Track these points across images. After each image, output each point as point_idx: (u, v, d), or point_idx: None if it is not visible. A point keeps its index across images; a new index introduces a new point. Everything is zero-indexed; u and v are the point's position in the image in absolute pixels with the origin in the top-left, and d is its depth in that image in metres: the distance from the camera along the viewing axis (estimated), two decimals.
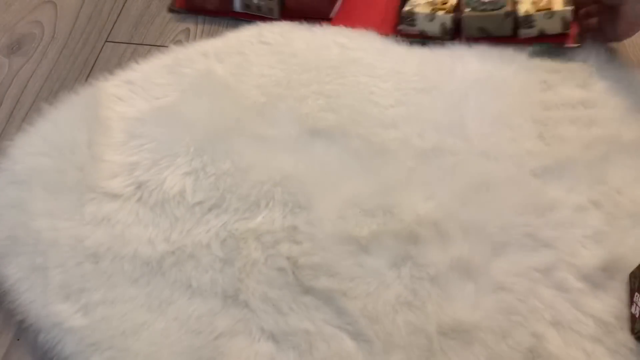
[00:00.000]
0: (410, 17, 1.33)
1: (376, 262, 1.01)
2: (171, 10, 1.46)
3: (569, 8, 1.30)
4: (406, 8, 1.34)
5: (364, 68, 1.30)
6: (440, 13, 1.31)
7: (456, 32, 1.35)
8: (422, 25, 1.34)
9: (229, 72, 1.28)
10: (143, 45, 1.37)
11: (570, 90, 1.26)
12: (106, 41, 1.40)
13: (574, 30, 1.34)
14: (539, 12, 1.30)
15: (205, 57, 1.32)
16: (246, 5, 1.38)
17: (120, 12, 1.47)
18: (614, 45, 1.38)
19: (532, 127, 1.20)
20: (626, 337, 0.93)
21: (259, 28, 1.38)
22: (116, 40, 1.40)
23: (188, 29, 1.42)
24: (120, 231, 1.04)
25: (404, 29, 1.37)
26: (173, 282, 0.98)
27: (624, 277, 0.98)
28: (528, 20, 1.30)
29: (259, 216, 1.06)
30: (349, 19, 1.42)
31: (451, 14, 1.32)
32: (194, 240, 1.03)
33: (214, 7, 1.44)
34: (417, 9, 1.33)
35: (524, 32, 1.32)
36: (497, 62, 1.31)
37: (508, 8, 1.30)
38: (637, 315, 0.95)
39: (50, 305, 0.96)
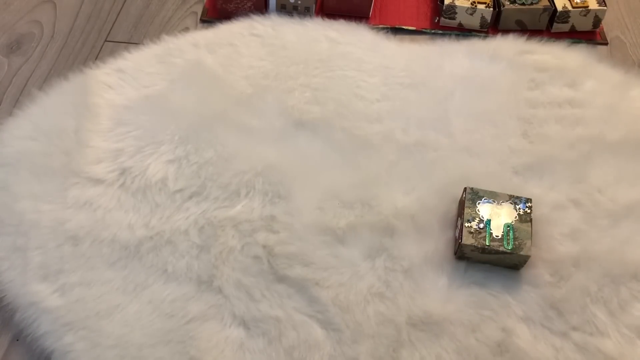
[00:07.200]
0: (451, 10, 1.39)
1: (351, 253, 1.01)
2: (203, 20, 1.44)
3: (604, 8, 1.37)
4: (447, 1, 1.39)
5: (353, 62, 1.31)
6: (481, 7, 1.37)
7: (491, 25, 1.42)
8: (462, 18, 1.40)
9: (218, 63, 1.30)
10: (142, 44, 1.37)
11: (558, 90, 1.26)
12: (106, 40, 1.40)
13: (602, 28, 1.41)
14: (575, 9, 1.37)
15: (195, 48, 1.33)
16: (282, 6, 1.40)
17: (120, 11, 1.47)
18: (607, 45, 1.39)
19: (516, 125, 1.20)
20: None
21: (250, 20, 1.39)
22: (116, 40, 1.40)
23: (187, 29, 1.43)
24: (101, 215, 1.06)
25: (443, 21, 1.42)
26: (149, 267, 1.00)
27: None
28: (564, 15, 1.37)
29: (239, 205, 1.07)
30: (384, 15, 1.45)
31: (491, 8, 1.37)
32: (173, 226, 1.04)
33: (248, 11, 1.42)
34: (458, 3, 1.38)
35: (557, 27, 1.40)
36: (486, 60, 1.31)
37: (545, 3, 1.38)
38: (457, 238, 1.00)
39: (28, 285, 0.97)
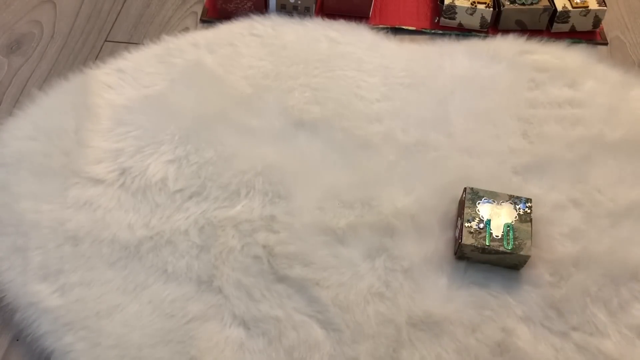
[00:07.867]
0: (451, 10, 1.39)
1: (351, 253, 1.01)
2: (203, 20, 1.44)
3: (604, 8, 1.37)
4: (447, 1, 1.39)
5: (353, 62, 1.31)
6: (481, 7, 1.37)
7: (491, 25, 1.42)
8: (462, 18, 1.40)
9: (218, 63, 1.30)
10: (142, 44, 1.37)
11: (558, 90, 1.26)
12: (105, 40, 1.40)
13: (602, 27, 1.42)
14: (575, 9, 1.37)
15: (195, 48, 1.33)
16: (282, 6, 1.40)
17: (120, 11, 1.46)
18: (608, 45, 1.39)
19: (516, 125, 1.20)
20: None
21: (250, 20, 1.39)
22: (116, 40, 1.40)
23: (187, 29, 1.43)
24: (101, 215, 1.06)
25: (443, 21, 1.42)
26: (149, 267, 1.00)
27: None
28: (564, 15, 1.37)
29: (239, 205, 1.07)
30: (384, 15, 1.45)
31: (491, 8, 1.37)
32: (173, 226, 1.04)
33: (248, 11, 1.42)
34: (458, 3, 1.38)
35: (557, 27, 1.40)
36: (486, 60, 1.31)
37: (545, 3, 1.38)
38: (457, 238, 1.00)
39: (28, 285, 0.97)
